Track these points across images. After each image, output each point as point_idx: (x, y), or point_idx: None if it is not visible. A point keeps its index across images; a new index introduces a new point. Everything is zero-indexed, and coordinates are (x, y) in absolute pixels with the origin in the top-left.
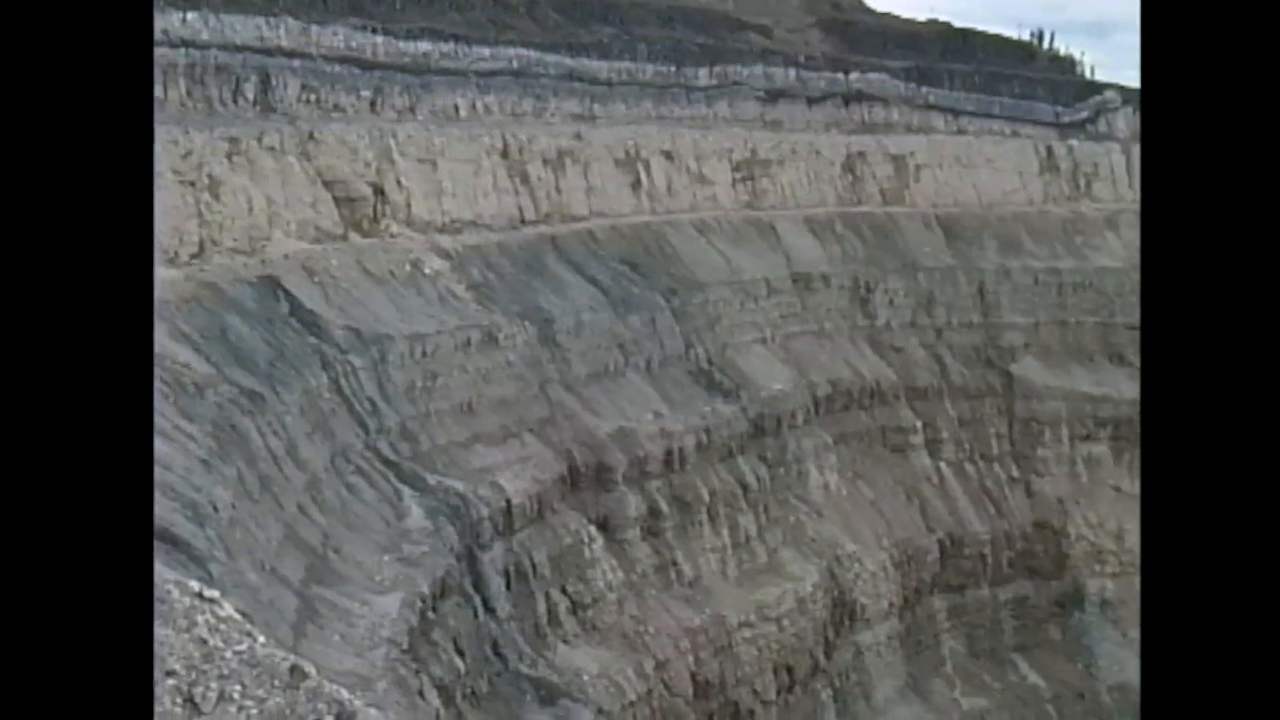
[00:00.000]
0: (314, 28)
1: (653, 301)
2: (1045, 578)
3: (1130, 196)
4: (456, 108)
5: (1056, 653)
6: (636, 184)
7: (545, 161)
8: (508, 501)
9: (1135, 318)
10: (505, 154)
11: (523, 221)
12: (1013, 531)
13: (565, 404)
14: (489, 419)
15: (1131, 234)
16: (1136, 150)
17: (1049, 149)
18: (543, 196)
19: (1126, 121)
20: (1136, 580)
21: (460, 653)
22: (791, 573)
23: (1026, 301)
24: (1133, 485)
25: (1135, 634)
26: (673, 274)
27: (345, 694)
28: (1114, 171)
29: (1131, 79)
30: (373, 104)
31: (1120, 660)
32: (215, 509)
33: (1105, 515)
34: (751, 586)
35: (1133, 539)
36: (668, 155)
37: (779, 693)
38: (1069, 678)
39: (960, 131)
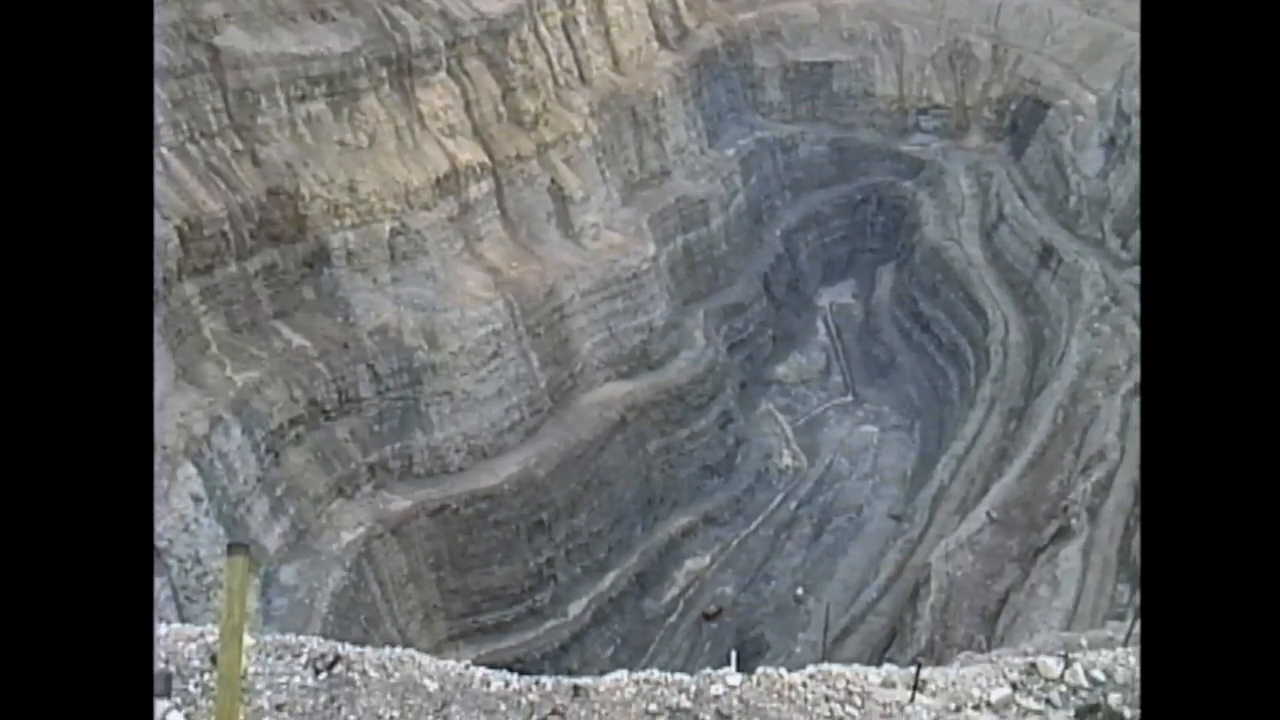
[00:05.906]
0: None
1: None
2: (289, 242)
3: None
4: None
5: (314, 311)
6: None
7: None
8: None
9: None
10: None
11: None
12: (248, 204)
13: None
14: None
15: None
16: None
17: None
18: None
19: None
20: (375, 227)
21: None
22: None
23: None
24: (356, 138)
25: (385, 278)
26: None
27: None
28: None
29: None
30: None
31: (374, 305)
32: None
33: (334, 171)
34: None
35: (365, 189)
36: None
37: None
38: (331, 332)
39: None
